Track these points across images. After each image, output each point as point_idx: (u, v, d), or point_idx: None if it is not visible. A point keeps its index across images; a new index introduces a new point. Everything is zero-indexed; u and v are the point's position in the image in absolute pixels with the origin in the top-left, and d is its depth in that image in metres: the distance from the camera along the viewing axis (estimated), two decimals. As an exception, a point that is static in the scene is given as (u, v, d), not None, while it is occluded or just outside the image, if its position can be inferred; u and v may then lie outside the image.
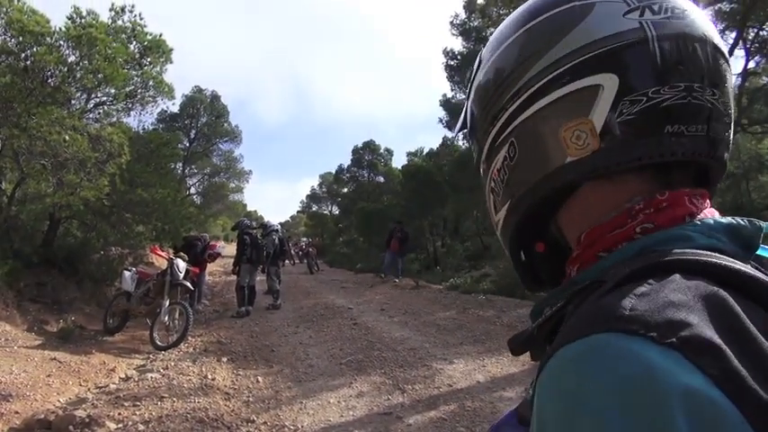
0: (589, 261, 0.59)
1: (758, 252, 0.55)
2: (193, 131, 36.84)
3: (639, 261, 0.49)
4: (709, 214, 0.57)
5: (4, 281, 8.59)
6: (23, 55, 10.15)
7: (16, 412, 5.16)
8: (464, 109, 0.75)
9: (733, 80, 0.63)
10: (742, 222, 0.55)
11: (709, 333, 0.39)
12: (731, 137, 0.62)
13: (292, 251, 27.05)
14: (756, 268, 0.52)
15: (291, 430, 4.84)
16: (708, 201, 0.60)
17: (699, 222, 0.54)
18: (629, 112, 0.56)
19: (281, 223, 26.39)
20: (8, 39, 10.31)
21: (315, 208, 50.41)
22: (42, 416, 4.97)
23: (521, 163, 0.63)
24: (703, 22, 0.59)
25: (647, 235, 0.55)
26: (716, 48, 0.59)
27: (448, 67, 25.01)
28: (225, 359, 7.27)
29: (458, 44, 24.80)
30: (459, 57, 24.37)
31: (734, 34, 13.65)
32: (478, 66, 0.71)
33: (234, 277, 11.87)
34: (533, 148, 0.62)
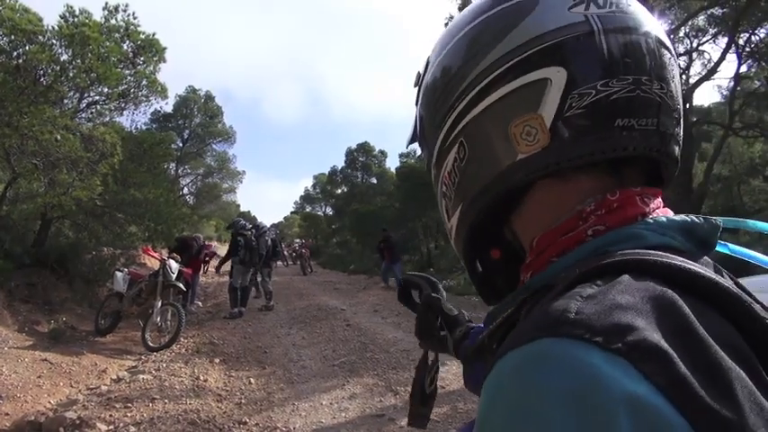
0: (542, 266, 0.58)
1: (718, 248, 0.55)
2: (187, 132, 36.74)
3: (590, 262, 0.48)
4: (662, 213, 0.56)
5: (-5, 281, 8.53)
6: (15, 53, 10.09)
7: (6, 414, 5.12)
8: (415, 117, 0.73)
9: (679, 75, 0.64)
10: (697, 220, 0.54)
11: (656, 337, 0.38)
12: (681, 133, 0.62)
13: (285, 252, 27.00)
14: (716, 266, 0.53)
15: (283, 432, 4.83)
16: (660, 199, 0.59)
17: (651, 221, 0.53)
18: (578, 106, 0.56)
19: (274, 224, 26.31)
20: (0, 37, 10.24)
21: (308, 209, 50.39)
22: (33, 417, 4.94)
23: (471, 163, 0.61)
24: (647, 16, 0.59)
25: (599, 236, 0.54)
26: (660, 42, 0.59)
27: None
28: (217, 360, 7.25)
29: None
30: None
31: (726, 39, 13.76)
32: (426, 68, 0.70)
33: (227, 278, 11.83)
34: (483, 146, 0.60)
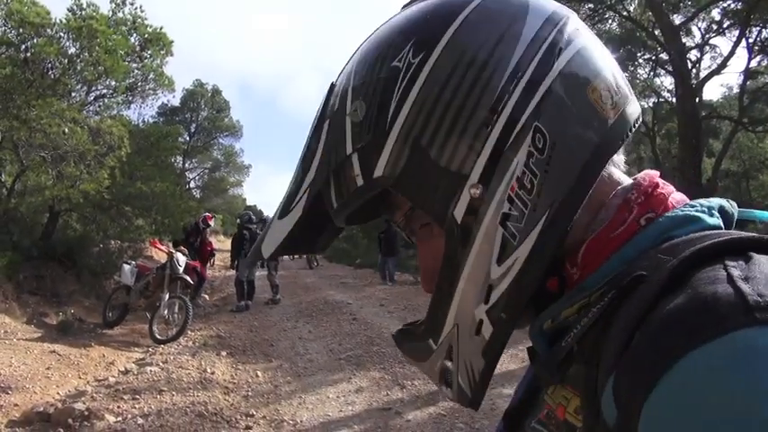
0: (594, 265, 0.51)
1: None
2: (194, 125, 36.84)
3: (678, 247, 0.45)
4: (680, 194, 0.55)
5: (4, 273, 8.58)
6: (24, 47, 10.14)
7: (15, 405, 5.15)
8: (389, 149, 0.52)
9: None
10: (725, 203, 0.53)
11: None
12: None
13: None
14: None
15: (291, 425, 4.84)
16: None
17: (697, 204, 0.52)
18: (616, 69, 0.56)
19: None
20: (8, 30, 10.28)
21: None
22: (42, 408, 4.97)
23: (558, 148, 0.50)
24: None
25: (654, 222, 0.51)
26: None
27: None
28: (224, 353, 7.27)
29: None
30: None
31: (737, 32, 13.64)
32: (401, 85, 0.52)
33: (233, 272, 11.87)
34: (569, 123, 0.51)
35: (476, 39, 0.51)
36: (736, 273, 0.39)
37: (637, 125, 0.55)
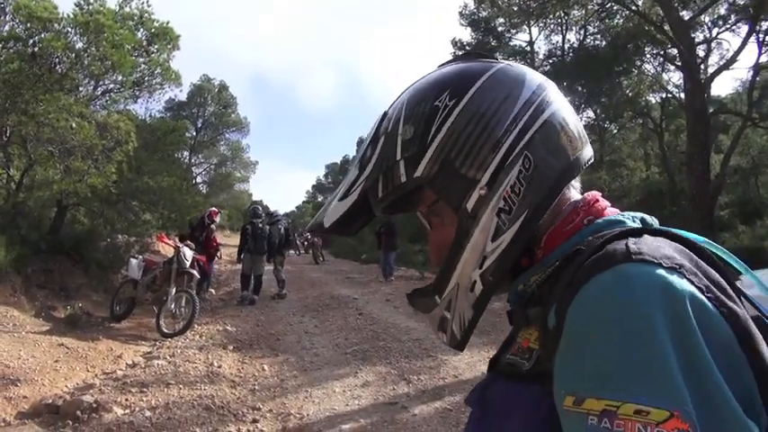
0: (552, 248, 0.76)
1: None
2: (200, 120, 36.86)
3: (607, 234, 0.68)
4: (613, 209, 0.80)
5: (13, 267, 8.63)
6: (31, 41, 10.16)
7: (24, 397, 5.19)
8: (427, 158, 0.76)
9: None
10: (647, 216, 0.77)
11: (688, 264, 0.60)
12: None
13: (298, 241, 27.08)
14: None
15: (297, 418, 4.86)
16: None
17: (623, 214, 0.77)
18: (578, 124, 0.82)
19: (286, 213, 26.36)
20: (16, 25, 10.31)
21: (320, 198, 50.46)
22: (50, 400, 5.01)
23: (538, 169, 0.74)
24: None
25: (593, 222, 0.75)
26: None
27: (456, 59, 24.80)
28: (231, 347, 7.29)
29: (466, 35, 24.62)
30: (467, 48, 24.19)
31: (746, 27, 13.49)
32: (440, 118, 0.76)
33: (240, 266, 11.91)
34: (549, 152, 0.76)
35: (490, 95, 0.76)
36: (630, 242, 0.63)
37: (588, 163, 0.80)
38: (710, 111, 15.44)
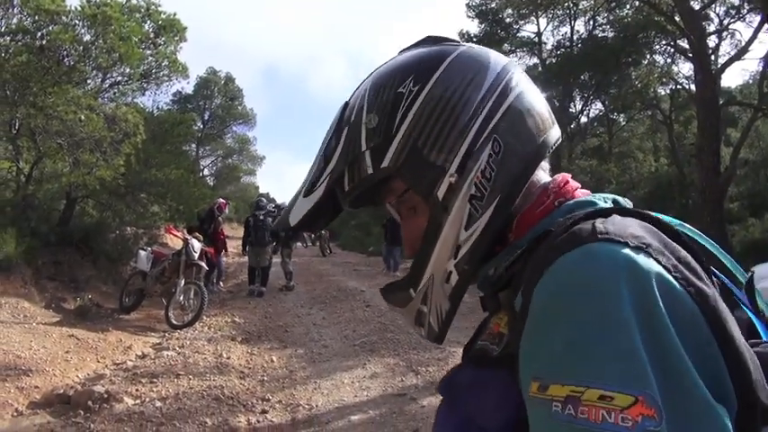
0: (523, 231, 0.74)
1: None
2: (207, 113, 36.91)
3: (577, 215, 0.66)
4: (584, 190, 0.78)
5: (23, 258, 8.68)
6: (39, 34, 10.16)
7: (36, 387, 5.24)
8: (394, 147, 0.74)
9: None
10: (620, 198, 0.76)
11: (656, 243, 0.59)
12: None
13: (305, 234, 27.08)
14: None
15: (306, 409, 4.88)
16: None
17: (597, 195, 0.76)
18: (544, 105, 0.80)
19: (293, 205, 26.39)
20: (24, 18, 10.32)
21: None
22: (62, 391, 5.05)
23: (507, 153, 0.73)
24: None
25: (564, 204, 0.74)
26: None
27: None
28: (239, 339, 7.33)
29: (474, 27, 24.47)
30: (474, 39, 24.06)
31: (759, 17, 13.33)
32: (405, 105, 0.74)
33: (247, 258, 11.96)
34: (517, 136, 0.74)
35: (455, 79, 0.75)
36: (599, 221, 0.61)
37: (557, 144, 0.79)
38: (721, 102, 15.29)
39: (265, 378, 5.75)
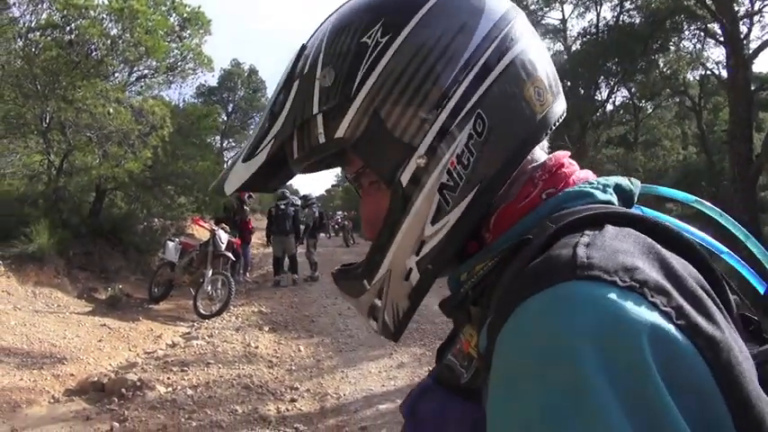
0: (501, 231, 0.61)
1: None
2: (231, 105, 37.22)
3: (562, 217, 0.53)
4: (585, 173, 0.64)
5: (55, 250, 8.88)
6: (68, 28, 10.35)
7: (71, 375, 5.37)
8: (351, 114, 0.61)
9: None
10: (624, 181, 0.63)
11: (655, 275, 0.45)
12: None
13: (329, 225, 27.24)
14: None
15: (334, 398, 4.92)
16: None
17: (594, 181, 0.61)
18: (551, 70, 0.65)
19: (316, 197, 26.57)
20: (53, 13, 10.50)
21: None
22: (96, 379, 5.17)
23: (493, 134, 0.59)
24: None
25: (554, 197, 0.60)
26: None
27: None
28: (266, 328, 7.40)
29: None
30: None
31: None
32: (368, 60, 0.60)
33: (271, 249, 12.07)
34: (507, 113, 0.60)
35: (437, 29, 0.59)
36: (584, 240, 0.48)
37: (560, 121, 0.64)
38: (753, 88, 14.91)
39: (293, 367, 5.81)
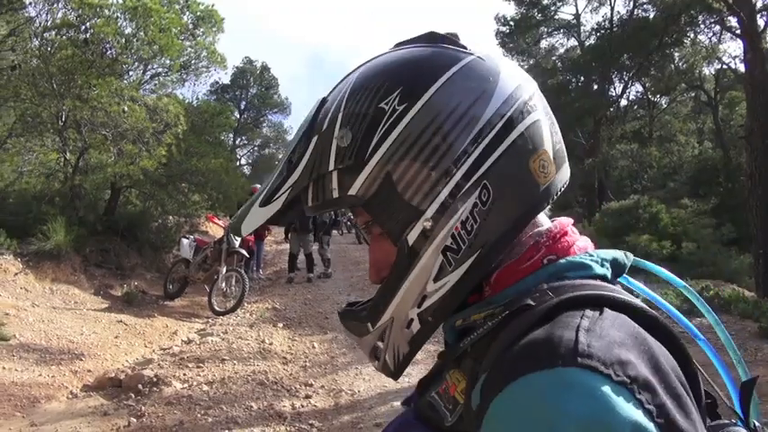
0: (501, 287, 0.65)
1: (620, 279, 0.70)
2: (243, 103, 37.37)
3: (563, 289, 0.58)
4: (583, 241, 0.69)
5: (72, 247, 8.97)
6: (83, 27, 10.42)
7: (89, 370, 5.44)
8: (365, 175, 0.65)
9: None
10: (620, 256, 0.68)
11: (645, 371, 0.49)
12: None
13: (343, 221, 27.28)
14: (623, 286, 0.69)
15: (349, 395, 4.94)
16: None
17: (593, 254, 0.66)
18: (557, 140, 0.69)
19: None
20: (68, 12, 10.60)
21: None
22: (113, 374, 5.23)
23: (498, 203, 0.63)
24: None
25: (554, 263, 0.64)
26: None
27: (499, 34, 24.33)
28: (280, 325, 7.44)
29: (511, 9, 24.04)
30: (512, 23, 23.67)
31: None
32: (384, 126, 0.64)
33: (285, 246, 12.11)
34: (511, 184, 0.64)
35: (452, 101, 0.63)
36: (584, 323, 0.52)
37: (562, 189, 0.69)
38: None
39: (307, 364, 5.83)
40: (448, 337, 0.70)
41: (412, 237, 0.64)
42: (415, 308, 0.66)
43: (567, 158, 0.71)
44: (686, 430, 0.49)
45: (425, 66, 0.66)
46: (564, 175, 0.70)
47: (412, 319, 0.67)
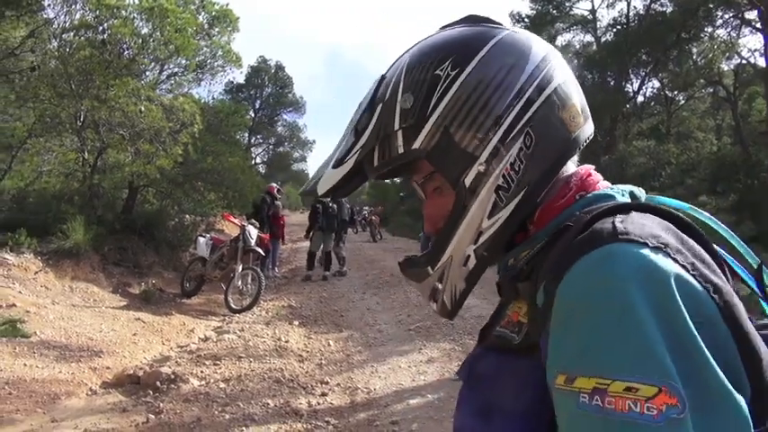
0: (543, 224, 0.76)
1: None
2: (258, 102, 37.54)
3: (596, 209, 0.68)
4: (605, 181, 0.80)
5: (90, 245, 9.08)
6: (101, 28, 10.54)
7: (107, 367, 5.50)
8: (427, 130, 0.75)
9: None
10: (636, 189, 0.78)
11: (674, 242, 0.61)
12: None
13: (356, 220, 27.34)
14: None
15: (365, 392, 4.94)
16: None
17: (615, 187, 0.78)
18: (582, 99, 0.81)
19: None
20: (86, 13, 10.72)
21: (376, 177, 50.52)
22: (131, 371, 5.28)
23: (539, 147, 0.74)
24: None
25: (584, 197, 0.75)
26: None
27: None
28: (296, 323, 7.47)
29: (525, 6, 23.86)
30: (527, 20, 23.49)
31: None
32: (441, 88, 0.75)
33: (302, 244, 12.14)
34: (549, 131, 0.75)
35: (494, 66, 0.75)
36: (618, 218, 0.63)
37: (587, 141, 0.80)
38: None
39: (323, 361, 5.85)
40: (501, 275, 0.80)
41: (469, 179, 0.75)
42: (472, 245, 0.76)
43: (590, 116, 0.82)
44: (716, 282, 0.59)
45: (471, 38, 0.77)
46: (589, 129, 0.81)
47: (468, 256, 0.77)
